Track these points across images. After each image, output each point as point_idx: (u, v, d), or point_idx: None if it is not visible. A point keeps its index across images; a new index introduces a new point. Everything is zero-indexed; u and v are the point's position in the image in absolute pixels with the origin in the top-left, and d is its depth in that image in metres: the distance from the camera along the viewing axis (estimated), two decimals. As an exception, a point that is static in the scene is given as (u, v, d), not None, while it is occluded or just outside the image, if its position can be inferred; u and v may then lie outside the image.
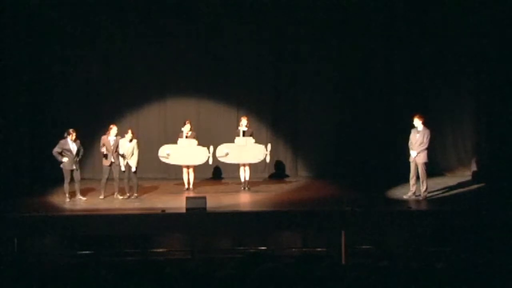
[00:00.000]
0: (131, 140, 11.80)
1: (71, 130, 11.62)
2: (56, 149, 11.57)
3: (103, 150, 11.77)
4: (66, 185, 11.66)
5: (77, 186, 11.78)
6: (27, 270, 5.58)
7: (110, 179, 11.88)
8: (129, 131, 11.87)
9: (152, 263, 5.88)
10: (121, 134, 11.99)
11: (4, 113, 13.61)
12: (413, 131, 11.55)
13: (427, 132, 11.44)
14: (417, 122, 11.47)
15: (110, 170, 11.80)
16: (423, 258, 8.48)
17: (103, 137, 11.82)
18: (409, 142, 11.56)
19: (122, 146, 11.81)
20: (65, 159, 11.58)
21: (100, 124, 12.93)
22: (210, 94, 14.43)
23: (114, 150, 11.75)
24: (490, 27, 13.22)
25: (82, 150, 11.77)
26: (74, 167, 11.65)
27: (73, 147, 11.63)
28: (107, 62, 14.19)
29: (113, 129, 11.82)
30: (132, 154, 11.79)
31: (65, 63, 14.13)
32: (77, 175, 11.71)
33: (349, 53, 14.21)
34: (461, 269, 5.14)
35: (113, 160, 11.77)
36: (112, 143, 11.77)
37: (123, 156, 11.76)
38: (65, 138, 11.60)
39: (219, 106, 14.51)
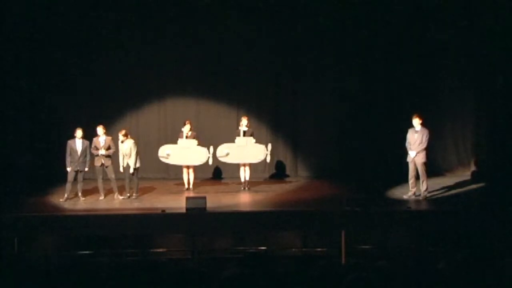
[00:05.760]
0: (123, 141, 11.76)
1: (76, 129, 11.65)
2: (67, 153, 11.62)
3: (95, 152, 11.75)
4: (68, 185, 11.65)
5: (79, 187, 11.76)
6: (27, 270, 5.58)
7: (106, 179, 11.86)
8: (120, 133, 11.84)
9: (152, 263, 5.87)
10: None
11: (4, 113, 13.62)
12: (410, 131, 11.55)
13: (426, 132, 11.44)
14: (416, 122, 11.47)
15: (103, 170, 11.79)
16: (423, 258, 8.48)
17: (94, 139, 11.80)
18: (407, 142, 11.55)
19: (121, 146, 11.79)
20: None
21: (99, 125, 12.87)
22: (210, 94, 14.42)
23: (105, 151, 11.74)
24: (490, 27, 13.21)
25: (89, 149, 11.73)
26: (79, 167, 11.63)
27: (78, 146, 11.63)
28: (107, 62, 14.17)
29: (98, 130, 11.77)
30: (130, 154, 11.77)
31: (65, 63, 14.12)
32: (80, 176, 11.70)
33: (349, 52, 14.21)
34: (461, 269, 5.13)
35: (103, 162, 11.74)
36: (102, 144, 11.75)
37: (108, 156, 11.75)
38: (73, 138, 11.65)
39: (219, 106, 14.51)
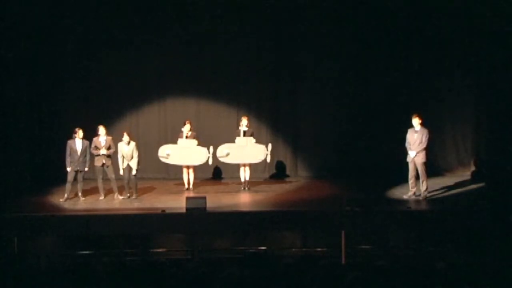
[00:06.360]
0: (129, 143, 11.77)
1: (76, 129, 11.64)
2: (67, 153, 11.59)
3: (95, 152, 11.74)
4: (67, 185, 11.64)
5: (79, 187, 11.75)
6: (27, 270, 5.58)
7: (106, 179, 11.85)
8: (125, 134, 11.84)
9: (152, 263, 5.88)
10: (120, 135, 11.97)
11: (4, 113, 13.62)
12: (410, 131, 11.55)
13: (425, 132, 11.44)
14: (416, 122, 11.47)
15: (103, 170, 11.78)
16: (423, 258, 8.50)
17: (94, 139, 11.77)
18: (406, 142, 11.55)
19: (121, 149, 11.77)
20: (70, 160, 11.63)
21: (100, 124, 12.87)
22: (210, 94, 14.42)
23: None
24: (490, 27, 13.21)
25: (88, 149, 11.73)
26: (78, 167, 11.62)
27: (78, 146, 11.62)
28: (107, 62, 14.17)
29: (100, 130, 11.76)
30: (132, 156, 11.77)
31: (65, 63, 14.13)
32: (80, 176, 11.70)
33: (349, 52, 14.20)
34: (461, 269, 5.14)
35: (104, 162, 11.74)
36: (103, 143, 11.74)
37: (109, 156, 11.74)
38: (73, 138, 11.64)
39: (219, 106, 14.51)
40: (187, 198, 9.79)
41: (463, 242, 9.00)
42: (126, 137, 11.76)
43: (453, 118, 14.20)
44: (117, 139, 11.94)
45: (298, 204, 11.44)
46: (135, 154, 11.77)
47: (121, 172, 11.80)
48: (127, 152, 11.73)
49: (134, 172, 11.75)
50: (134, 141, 11.99)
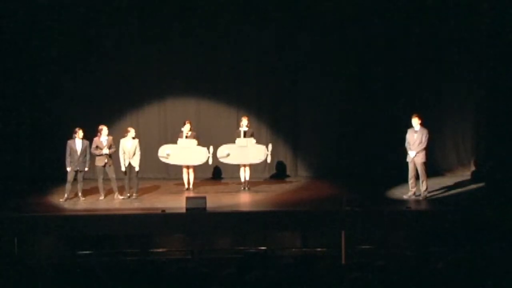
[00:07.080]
0: (134, 138, 11.78)
1: (76, 129, 11.64)
2: (67, 153, 11.59)
3: (96, 152, 11.73)
4: (67, 185, 11.63)
5: (79, 187, 11.75)
6: (27, 270, 5.58)
7: (106, 179, 11.85)
8: (131, 129, 11.84)
9: (152, 263, 5.88)
10: (120, 134, 11.98)
11: (5, 113, 13.62)
12: (410, 131, 11.55)
13: (425, 132, 11.44)
14: (415, 122, 11.47)
15: (104, 170, 11.77)
16: (423, 258, 8.50)
17: (95, 139, 11.76)
18: (406, 142, 11.56)
19: (124, 145, 11.78)
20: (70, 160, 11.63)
21: (100, 124, 12.87)
22: (210, 94, 14.43)
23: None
24: (490, 27, 13.21)
25: (88, 149, 11.73)
26: (78, 167, 11.62)
27: (78, 147, 11.61)
28: (107, 62, 14.17)
29: (104, 130, 11.77)
30: (134, 153, 11.78)
31: (65, 63, 14.12)
32: (80, 176, 11.70)
33: (349, 53, 14.20)
34: (461, 269, 5.14)
35: (106, 161, 11.74)
36: (104, 143, 11.73)
37: (110, 155, 11.74)
38: (73, 138, 11.64)
39: (219, 106, 14.51)
40: (187, 198, 9.80)
41: (463, 242, 9.00)
42: (132, 132, 11.75)
43: (453, 118, 14.20)
44: (117, 139, 11.94)
45: (298, 204, 11.44)
46: (138, 152, 11.78)
47: (123, 169, 11.79)
48: (130, 148, 11.74)
49: (137, 168, 11.76)
50: (138, 139, 12.00)
